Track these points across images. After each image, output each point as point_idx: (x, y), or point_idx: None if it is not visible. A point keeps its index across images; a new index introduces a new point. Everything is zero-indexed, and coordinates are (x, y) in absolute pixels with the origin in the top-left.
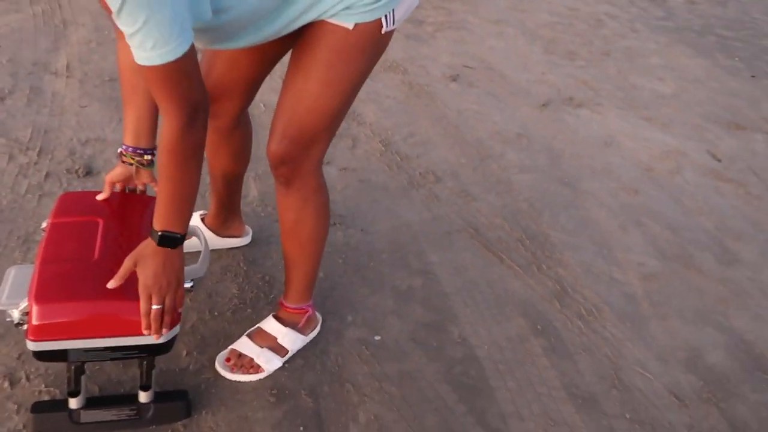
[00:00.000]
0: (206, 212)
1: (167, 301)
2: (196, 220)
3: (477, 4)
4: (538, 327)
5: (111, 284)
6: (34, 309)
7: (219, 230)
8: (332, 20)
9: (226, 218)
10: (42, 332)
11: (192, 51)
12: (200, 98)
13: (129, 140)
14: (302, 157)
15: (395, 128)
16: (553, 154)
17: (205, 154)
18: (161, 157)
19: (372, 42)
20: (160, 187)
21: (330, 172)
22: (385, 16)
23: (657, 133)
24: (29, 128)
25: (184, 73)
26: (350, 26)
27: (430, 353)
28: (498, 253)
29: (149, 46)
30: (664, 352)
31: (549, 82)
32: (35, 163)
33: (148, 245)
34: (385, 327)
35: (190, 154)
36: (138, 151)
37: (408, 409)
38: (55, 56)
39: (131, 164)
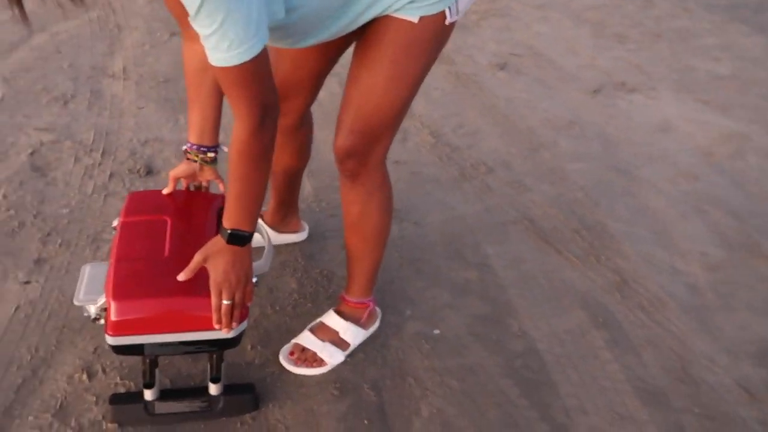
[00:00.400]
0: (265, 209)
1: (237, 297)
2: None
3: None
4: (599, 319)
5: (181, 277)
6: (113, 306)
7: (278, 226)
8: (397, 14)
9: (285, 215)
10: (120, 328)
11: (265, 52)
12: (272, 99)
13: (194, 138)
14: (368, 152)
15: (444, 120)
16: (607, 141)
17: None
18: (232, 158)
19: (436, 34)
20: (230, 186)
21: None
22: (449, 7)
23: (716, 116)
24: (92, 130)
25: (257, 74)
26: (415, 20)
27: (490, 347)
28: (554, 244)
29: (225, 47)
30: (732, 345)
31: (599, 67)
32: (99, 164)
33: (217, 242)
34: (444, 320)
35: (261, 155)
36: (202, 148)
37: (470, 403)
38: (111, 60)
39: (195, 161)
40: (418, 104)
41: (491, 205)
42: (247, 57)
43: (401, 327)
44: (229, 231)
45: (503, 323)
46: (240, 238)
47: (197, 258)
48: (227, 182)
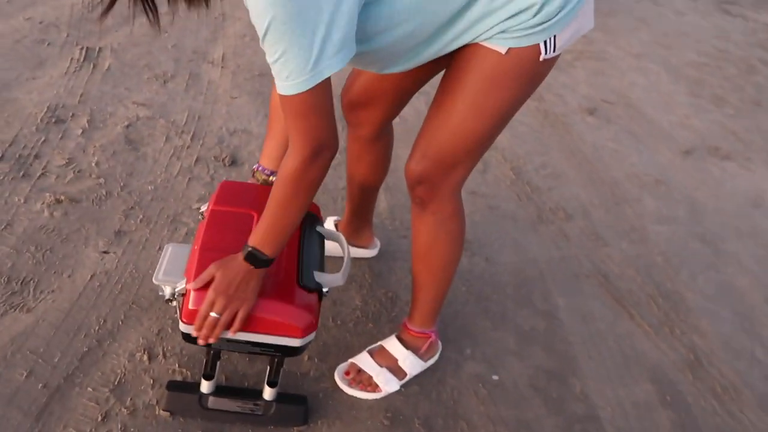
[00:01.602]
0: (340, 219)
1: (225, 315)
2: (330, 226)
3: (618, 35)
4: (668, 398)
5: (191, 286)
6: (192, 294)
7: (349, 238)
8: (486, 43)
9: (357, 227)
10: (195, 317)
11: (326, 88)
12: (327, 137)
13: (264, 161)
14: (440, 180)
15: (528, 157)
16: (695, 206)
17: (346, 161)
18: (277, 182)
19: (527, 69)
20: (267, 207)
21: None
22: (545, 42)
23: None
24: (185, 112)
25: (313, 107)
26: (503, 50)
27: (550, 404)
28: (628, 307)
29: (284, 76)
30: None
31: (693, 128)
32: (188, 147)
33: (236, 255)
34: (505, 366)
35: (304, 188)
36: (266, 171)
37: None
38: (213, 47)
39: (259, 181)
40: (502, 137)
41: (567, 254)
42: (303, 88)
43: (460, 365)
44: (249, 248)
45: (566, 382)
46: (256, 259)
47: (211, 269)
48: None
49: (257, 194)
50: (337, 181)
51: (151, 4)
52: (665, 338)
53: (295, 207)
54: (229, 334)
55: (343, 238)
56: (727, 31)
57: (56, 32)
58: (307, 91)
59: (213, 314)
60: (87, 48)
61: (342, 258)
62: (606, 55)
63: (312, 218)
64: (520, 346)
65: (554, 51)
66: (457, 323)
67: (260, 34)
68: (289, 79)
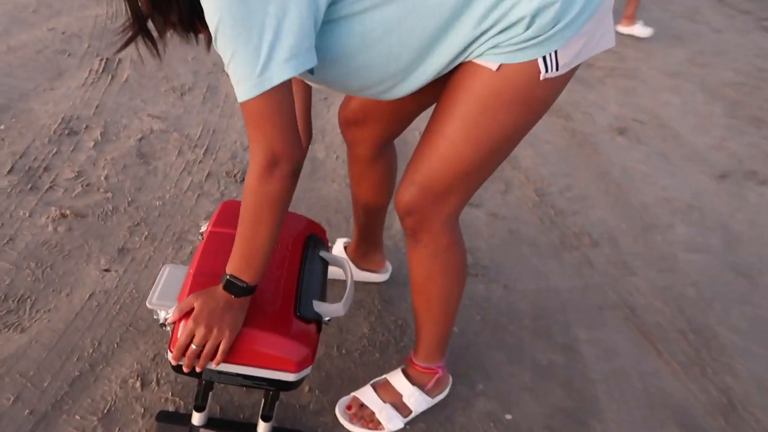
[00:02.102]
0: (349, 241)
1: (207, 346)
2: (339, 248)
3: (652, 53)
4: None
5: (170, 317)
6: (180, 325)
7: (358, 262)
8: (477, 60)
9: (366, 251)
10: None
11: (280, 95)
12: (282, 148)
13: None
14: (430, 210)
15: (552, 178)
16: (730, 234)
17: (349, 182)
18: (242, 198)
19: (525, 89)
20: (237, 230)
21: (478, 216)
22: (544, 58)
23: None
24: (200, 126)
25: (266, 115)
26: (494, 67)
27: None
28: (655, 343)
29: (235, 81)
30: None
31: (729, 150)
32: (200, 162)
33: (216, 287)
34: (519, 405)
35: (267, 204)
36: None
37: None
38: None
39: None
40: (525, 156)
41: (590, 283)
42: (252, 94)
43: (470, 402)
44: (227, 276)
45: (585, 424)
46: (235, 287)
47: (191, 298)
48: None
49: None
50: (350, 199)
51: (149, 39)
52: (695, 378)
53: (263, 225)
54: (212, 366)
55: (347, 264)
56: (766, 50)
57: (78, 43)
58: (258, 97)
59: (194, 346)
60: (107, 59)
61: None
62: (638, 73)
63: (315, 242)
64: (536, 382)
65: (557, 69)
66: (469, 355)
67: (213, 36)
68: (239, 85)
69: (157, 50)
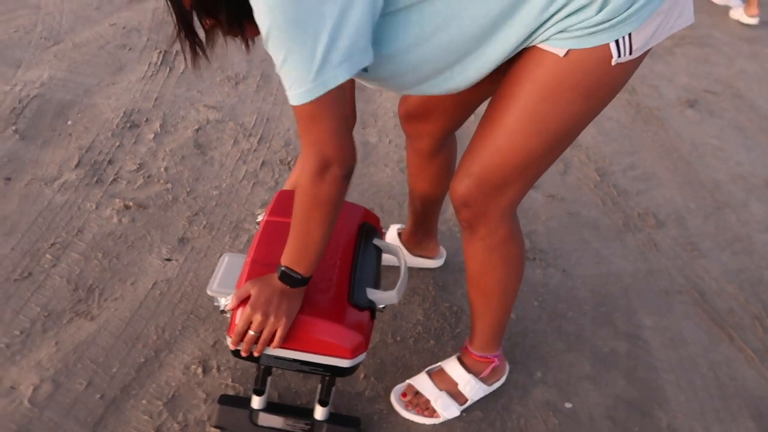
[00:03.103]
0: (403, 227)
1: (264, 333)
2: (392, 235)
3: (726, 17)
4: None
5: (229, 305)
6: (239, 312)
7: (413, 249)
8: (543, 45)
9: (421, 238)
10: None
11: (333, 100)
12: (334, 152)
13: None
14: (487, 202)
15: (615, 156)
16: None
17: (406, 171)
18: (295, 197)
19: (594, 76)
20: (291, 224)
21: (536, 199)
22: (617, 41)
23: None
24: (254, 115)
25: (319, 119)
26: (561, 53)
27: None
28: (728, 329)
29: (288, 85)
30: None
31: None
32: (254, 150)
33: (273, 275)
34: (579, 394)
35: (318, 205)
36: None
37: None
38: None
39: None
40: (586, 134)
41: (656, 267)
42: (307, 99)
43: (528, 391)
44: (283, 268)
45: (650, 415)
46: (290, 278)
47: (248, 285)
48: None
49: None
50: (403, 185)
51: (198, 42)
52: None
53: (315, 224)
54: (270, 351)
55: (401, 252)
56: None
57: (137, 37)
58: (311, 102)
59: (251, 332)
60: (165, 51)
61: (401, 276)
62: (711, 40)
63: (369, 230)
64: (597, 371)
65: (630, 53)
66: (527, 343)
67: (263, 37)
68: (292, 89)
69: (204, 51)
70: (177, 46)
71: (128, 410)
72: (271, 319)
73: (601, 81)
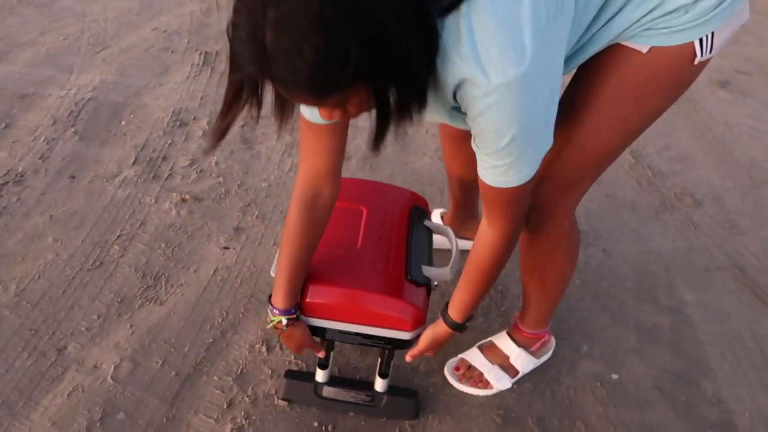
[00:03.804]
0: (445, 211)
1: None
2: (436, 218)
3: None
4: None
5: (408, 358)
6: (309, 288)
7: (456, 230)
8: (627, 42)
9: (463, 220)
10: (310, 309)
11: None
12: (519, 227)
13: (282, 301)
14: (558, 201)
15: (649, 139)
16: None
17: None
18: (483, 263)
19: (676, 73)
20: (469, 287)
21: None
22: (701, 39)
23: None
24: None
25: (528, 190)
26: (644, 50)
27: (677, 408)
28: None
29: (514, 172)
30: None
31: None
32: (298, 144)
33: (442, 332)
34: (625, 366)
35: (508, 258)
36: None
37: None
38: None
39: (281, 327)
40: None
41: (695, 244)
42: (529, 177)
43: (576, 364)
44: (456, 324)
45: (696, 384)
46: (463, 328)
47: (426, 343)
48: (462, 276)
49: (367, 190)
50: (442, 171)
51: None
52: None
53: (492, 281)
54: (336, 325)
55: (450, 231)
56: None
57: (178, 39)
58: (531, 179)
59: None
60: (205, 53)
61: (450, 251)
62: None
63: (420, 212)
64: (642, 344)
65: (710, 52)
66: (572, 319)
67: (499, 144)
68: (518, 173)
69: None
70: (217, 47)
71: (201, 385)
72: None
73: (683, 79)
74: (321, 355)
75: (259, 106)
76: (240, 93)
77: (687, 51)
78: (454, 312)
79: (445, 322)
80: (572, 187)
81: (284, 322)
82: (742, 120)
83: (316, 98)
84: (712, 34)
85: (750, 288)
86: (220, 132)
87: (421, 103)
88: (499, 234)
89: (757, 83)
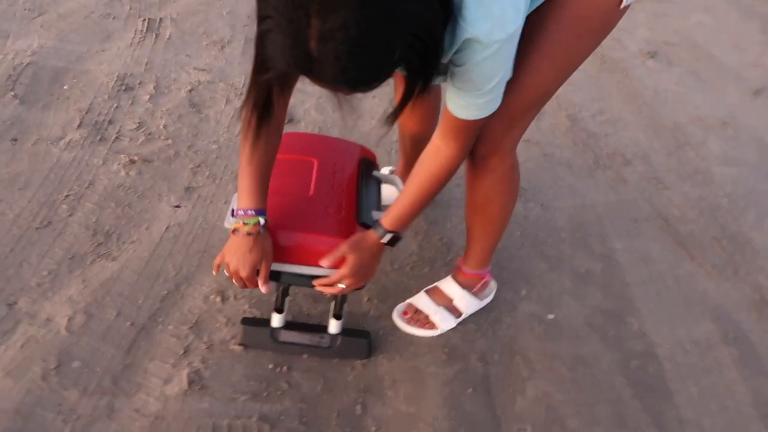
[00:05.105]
0: (394, 168)
1: (347, 290)
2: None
3: None
4: (730, 335)
5: (323, 263)
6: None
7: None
8: None
9: None
10: None
11: None
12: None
13: (247, 202)
14: (504, 136)
15: (584, 104)
16: (765, 148)
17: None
18: (431, 173)
19: (606, 17)
20: (410, 195)
21: None
22: None
23: None
24: (243, 76)
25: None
26: None
27: (607, 341)
28: (689, 249)
29: (484, 103)
30: None
31: (765, 67)
32: None
33: (369, 239)
34: (561, 306)
35: (440, 178)
36: (249, 212)
37: (579, 393)
38: None
39: (245, 231)
40: None
41: (625, 198)
42: (495, 109)
43: (515, 305)
44: (390, 233)
45: (623, 320)
46: (396, 240)
47: (344, 248)
48: (403, 191)
49: (316, 142)
50: (390, 134)
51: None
52: (729, 279)
53: (432, 194)
54: (291, 268)
55: (398, 180)
56: None
57: (120, 6)
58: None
59: (340, 286)
60: (149, 19)
61: None
62: None
63: (369, 164)
64: (576, 287)
65: None
66: (513, 266)
67: (481, 89)
68: (491, 108)
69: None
70: (161, 14)
71: (157, 334)
72: (359, 281)
73: (611, 21)
74: (264, 289)
75: (287, 98)
76: (271, 91)
77: None
78: (388, 221)
79: (375, 231)
80: (516, 121)
81: (262, 222)
82: (668, 87)
83: (356, 91)
84: None
85: (672, 236)
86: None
87: (438, 71)
88: (456, 151)
89: (682, 53)
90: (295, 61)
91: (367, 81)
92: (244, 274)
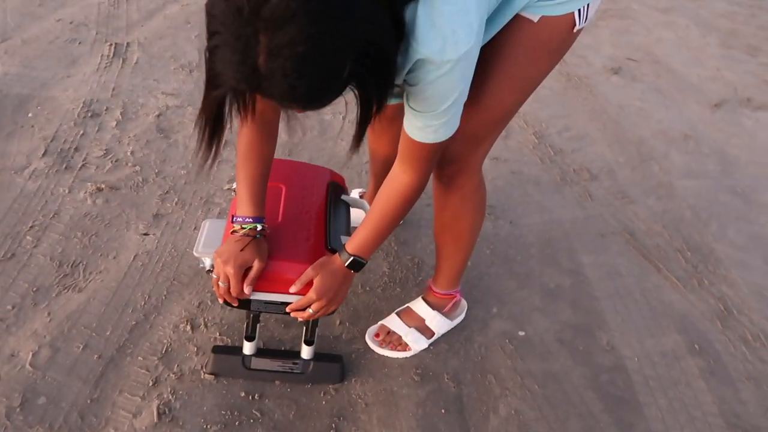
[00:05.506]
0: (365, 191)
1: (320, 314)
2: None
3: None
4: (696, 346)
5: (292, 289)
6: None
7: None
8: (523, 13)
9: None
10: None
11: None
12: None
13: (245, 210)
14: (470, 156)
15: (550, 120)
16: (726, 160)
17: (368, 139)
18: (392, 201)
19: (559, 38)
20: (373, 222)
21: None
22: (579, 10)
23: None
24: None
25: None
26: (535, 19)
27: (576, 357)
28: (655, 261)
29: (442, 129)
30: None
31: (724, 80)
32: None
33: (334, 261)
34: (531, 323)
35: (403, 204)
36: (248, 220)
37: (550, 409)
38: None
39: (242, 233)
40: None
41: (591, 213)
42: (452, 133)
43: (487, 324)
44: (352, 257)
45: (592, 335)
46: (359, 265)
47: (310, 272)
48: (366, 217)
49: (284, 168)
50: (361, 155)
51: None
52: (694, 290)
53: (396, 219)
54: (261, 296)
55: (367, 204)
56: None
57: (86, 31)
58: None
59: (310, 311)
60: (116, 44)
61: None
62: (630, 12)
63: (338, 188)
64: (545, 303)
65: (585, 21)
66: (483, 285)
67: (443, 105)
68: (447, 131)
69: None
70: (128, 38)
71: (126, 366)
72: (328, 304)
73: (566, 43)
74: (248, 290)
75: (247, 113)
76: (222, 107)
77: (569, 20)
78: (352, 246)
79: (340, 256)
80: (481, 140)
81: (259, 228)
82: (632, 102)
83: (307, 109)
84: (588, 6)
85: (639, 250)
86: (213, 151)
87: (392, 89)
88: (415, 178)
89: (645, 69)
90: (243, 78)
91: (316, 98)
92: (231, 271)
